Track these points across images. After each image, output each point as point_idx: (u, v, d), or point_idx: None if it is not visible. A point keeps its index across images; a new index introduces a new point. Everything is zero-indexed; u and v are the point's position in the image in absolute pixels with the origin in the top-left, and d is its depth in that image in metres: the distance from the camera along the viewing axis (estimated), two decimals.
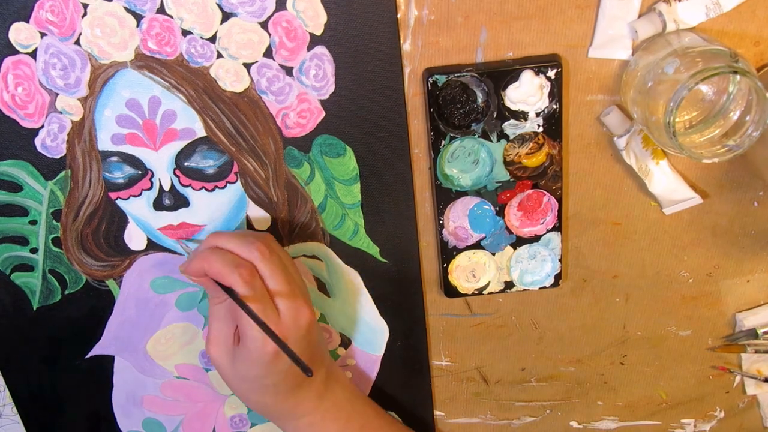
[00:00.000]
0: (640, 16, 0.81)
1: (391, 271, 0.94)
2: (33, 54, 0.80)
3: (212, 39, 0.79)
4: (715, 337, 1.02)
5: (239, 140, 0.84)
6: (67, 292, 0.93)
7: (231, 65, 0.81)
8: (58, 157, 0.85)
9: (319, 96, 0.83)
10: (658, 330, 1.02)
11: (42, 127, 0.83)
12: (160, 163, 0.85)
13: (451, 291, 0.95)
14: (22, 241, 0.89)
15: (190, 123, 0.83)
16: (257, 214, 0.89)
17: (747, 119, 0.76)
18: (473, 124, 0.85)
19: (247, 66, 0.81)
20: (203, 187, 0.87)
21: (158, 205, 0.88)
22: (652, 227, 0.94)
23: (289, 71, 0.81)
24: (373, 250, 0.92)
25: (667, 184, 0.89)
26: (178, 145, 0.84)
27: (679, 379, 1.06)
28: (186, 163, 0.85)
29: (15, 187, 0.86)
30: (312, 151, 0.86)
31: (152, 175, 0.86)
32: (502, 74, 0.83)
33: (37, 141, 0.84)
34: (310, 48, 0.80)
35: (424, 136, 0.87)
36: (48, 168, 0.85)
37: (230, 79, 0.81)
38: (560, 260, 0.93)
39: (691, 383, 1.06)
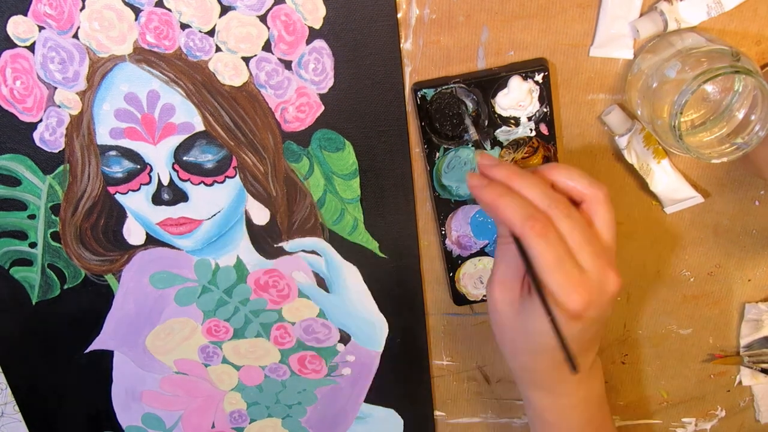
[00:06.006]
0: (641, 15, 0.80)
1: (391, 266, 0.94)
2: (31, 48, 0.79)
3: (211, 32, 0.79)
4: (716, 336, 1.02)
5: (238, 134, 0.84)
6: (66, 286, 0.93)
7: (230, 59, 0.80)
8: (56, 151, 0.85)
9: (318, 90, 0.83)
10: (659, 329, 1.01)
11: (40, 120, 0.83)
12: (159, 157, 0.85)
13: (459, 299, 0.95)
14: (21, 235, 0.89)
15: (189, 117, 0.83)
16: (256, 208, 0.89)
17: (752, 118, 0.76)
18: (465, 134, 0.85)
19: (246, 60, 0.81)
20: (202, 182, 0.87)
21: (157, 199, 0.88)
22: (654, 226, 0.93)
23: (288, 65, 0.81)
24: (373, 245, 0.92)
25: (668, 183, 0.89)
26: (176, 140, 0.84)
27: (680, 378, 1.06)
28: (185, 158, 0.85)
29: (13, 181, 0.86)
30: (311, 145, 0.86)
31: (151, 170, 0.86)
32: (490, 82, 0.83)
33: (36, 135, 0.84)
34: (309, 42, 0.80)
35: (422, 136, 0.86)
36: (46, 162, 0.85)
37: (229, 72, 0.81)
38: None
39: (692, 382, 1.06)
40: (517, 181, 0.74)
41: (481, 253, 0.93)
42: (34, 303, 0.94)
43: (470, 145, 0.85)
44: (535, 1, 0.80)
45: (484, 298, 0.95)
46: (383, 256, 0.93)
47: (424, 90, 0.82)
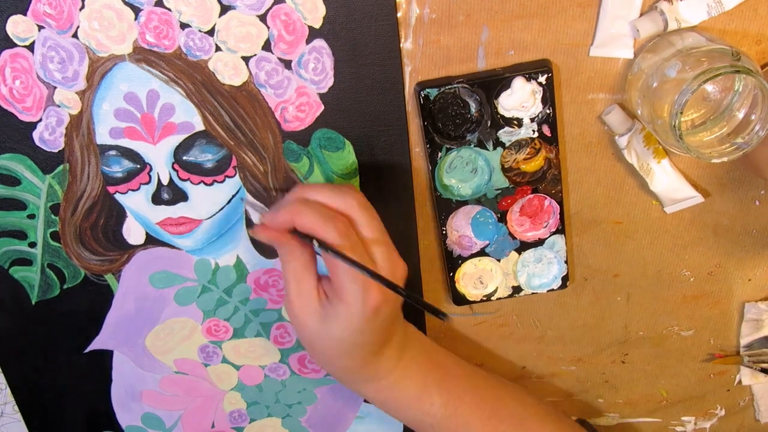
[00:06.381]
0: (641, 14, 0.80)
1: None
2: (31, 47, 0.79)
3: (210, 32, 0.79)
4: (717, 336, 1.02)
5: (238, 134, 0.84)
6: (65, 286, 0.93)
7: (229, 58, 0.80)
8: (56, 150, 0.85)
9: (318, 89, 0.83)
10: (659, 329, 1.01)
11: (40, 120, 0.83)
12: (159, 157, 0.85)
13: (459, 299, 0.95)
14: (21, 235, 0.89)
15: (189, 117, 0.83)
16: None
17: (752, 117, 0.76)
18: (468, 135, 0.85)
19: (246, 59, 0.81)
20: (202, 182, 0.86)
21: (157, 199, 0.88)
22: (654, 226, 0.93)
23: (287, 65, 0.81)
24: None
25: (668, 182, 0.89)
26: (176, 139, 0.84)
27: (680, 377, 1.06)
28: (184, 157, 0.85)
29: (13, 180, 0.86)
30: (311, 145, 0.86)
31: (150, 169, 0.86)
32: (493, 83, 0.83)
33: (35, 134, 0.84)
34: (308, 41, 0.80)
35: (424, 135, 0.86)
36: (46, 162, 0.85)
37: (229, 72, 0.81)
38: (566, 262, 0.93)
39: (692, 381, 1.06)
40: (306, 192, 0.79)
41: (482, 253, 0.93)
42: (33, 303, 0.93)
43: (473, 146, 0.85)
44: (535, 0, 0.80)
45: (484, 298, 0.95)
46: None
47: (428, 90, 0.82)
